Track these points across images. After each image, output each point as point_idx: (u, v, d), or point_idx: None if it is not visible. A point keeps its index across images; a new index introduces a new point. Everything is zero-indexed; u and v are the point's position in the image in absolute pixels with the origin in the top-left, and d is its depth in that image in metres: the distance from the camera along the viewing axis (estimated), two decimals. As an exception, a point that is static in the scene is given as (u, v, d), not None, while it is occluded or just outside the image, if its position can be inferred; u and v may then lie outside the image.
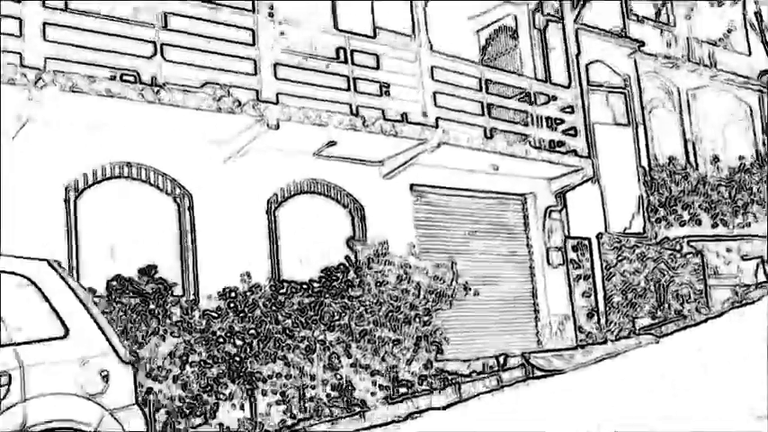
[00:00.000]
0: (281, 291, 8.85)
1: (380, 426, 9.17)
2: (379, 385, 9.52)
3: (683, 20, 16.55)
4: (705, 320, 12.97)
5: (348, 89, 10.58)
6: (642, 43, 15.23)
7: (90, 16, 8.52)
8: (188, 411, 7.81)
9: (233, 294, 8.56)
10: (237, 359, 8.25)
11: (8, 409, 5.39)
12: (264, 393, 8.57)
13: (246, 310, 8.45)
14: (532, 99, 12.78)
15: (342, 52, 10.76)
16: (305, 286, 9.25)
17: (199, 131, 9.47)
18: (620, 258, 13.62)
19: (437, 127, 11.09)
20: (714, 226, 14.83)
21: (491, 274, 12.50)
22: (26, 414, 5.40)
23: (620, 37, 14.95)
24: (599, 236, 13.76)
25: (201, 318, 8.17)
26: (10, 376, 5.43)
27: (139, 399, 5.98)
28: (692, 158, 15.81)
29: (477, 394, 10.30)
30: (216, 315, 8.33)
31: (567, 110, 13.24)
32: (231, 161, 9.84)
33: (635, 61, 15.34)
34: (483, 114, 12.06)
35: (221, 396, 8.15)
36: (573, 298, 13.20)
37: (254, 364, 8.39)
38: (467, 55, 13.00)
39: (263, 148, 9.92)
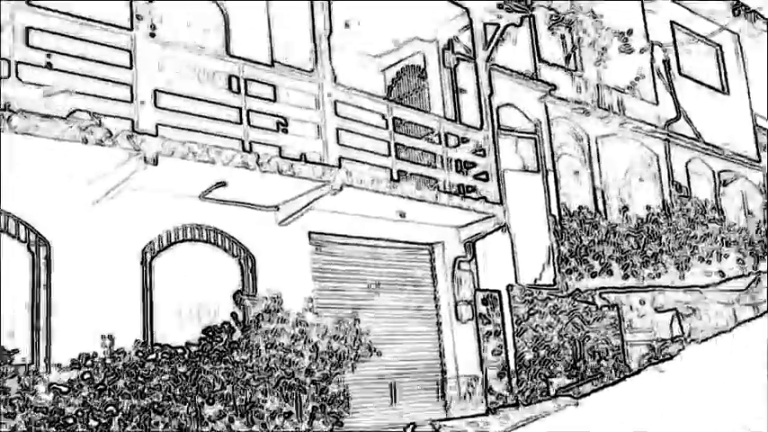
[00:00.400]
0: (150, 357, 7.47)
1: None
2: (269, 464, 8.23)
3: (593, 66, 16.12)
4: (623, 378, 12.23)
5: (240, 122, 9.38)
6: (554, 87, 14.64)
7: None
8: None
9: (89, 362, 7.13)
10: (95, 441, 6.84)
11: None
12: (129, 480, 7.16)
13: (106, 381, 7.04)
14: (441, 140, 11.88)
15: (234, 81, 9.58)
16: (180, 350, 7.89)
17: (61, 167, 8.08)
18: (531, 312, 12.78)
19: (340, 167, 10.00)
20: (625, 277, 14.22)
21: (396, 331, 11.42)
22: None
23: (531, 79, 14.31)
24: (509, 288, 12.89)
25: (48, 392, 6.72)
26: None
27: None
28: (601, 207, 15.24)
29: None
30: (66, 389, 6.89)
31: (479, 153, 12.40)
32: (101, 203, 8.46)
33: (546, 106, 14.72)
34: (390, 155, 11.06)
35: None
36: (483, 356, 12.24)
37: (116, 447, 6.99)
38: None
39: (138, 188, 8.60)
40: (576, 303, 13.11)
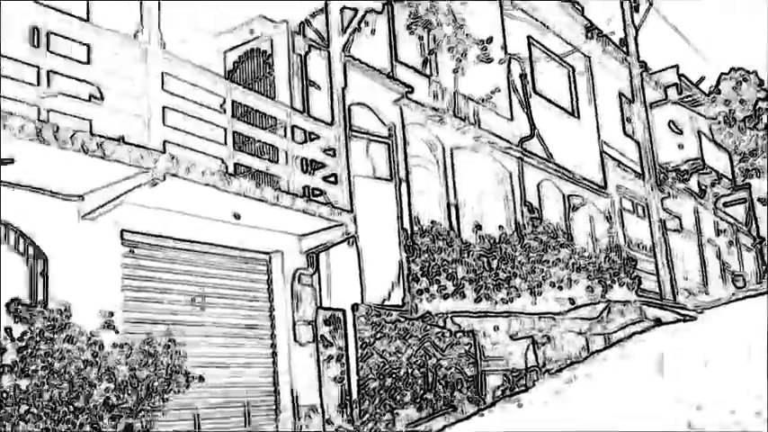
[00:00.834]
0: None
1: None
2: None
3: (451, 72, 15.06)
4: (477, 412, 11.01)
5: (38, 83, 7.40)
6: (411, 89, 13.41)
7: None
8: None
9: None
10: None
11: None
12: None
13: None
14: (288, 133, 10.28)
15: (35, 32, 7.59)
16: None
17: None
18: (378, 335, 11.34)
19: (164, 152, 8.17)
20: (478, 300, 13.11)
21: (223, 353, 9.64)
22: None
23: (389, 78, 13.00)
24: (355, 307, 11.41)
25: None
26: None
27: None
28: (455, 223, 14.12)
29: None
30: None
31: (329, 152, 10.89)
32: None
33: (401, 109, 13.46)
34: (226, 144, 9.34)
35: None
36: (322, 383, 10.66)
37: None
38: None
39: None
40: (428, 327, 11.81)
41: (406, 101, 13.43)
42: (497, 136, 15.55)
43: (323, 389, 10.63)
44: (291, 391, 10.23)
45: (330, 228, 10.66)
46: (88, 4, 9.20)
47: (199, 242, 9.61)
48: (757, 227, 29.86)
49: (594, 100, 19.67)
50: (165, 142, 8.37)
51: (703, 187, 27.22)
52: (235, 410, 9.59)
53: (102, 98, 8.04)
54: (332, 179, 10.88)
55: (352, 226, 10.75)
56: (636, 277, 16.75)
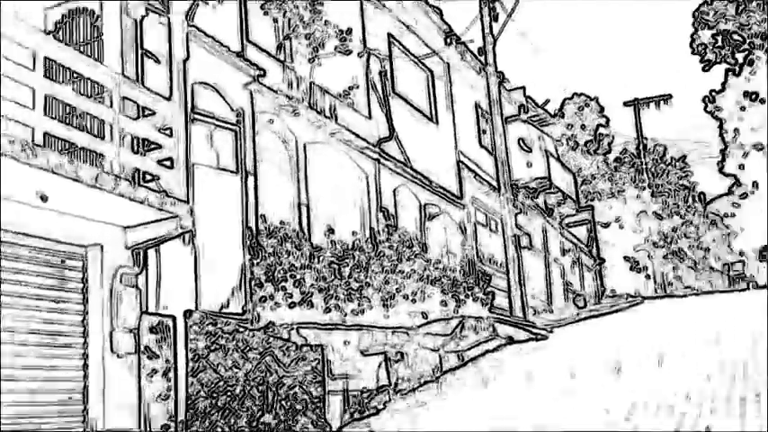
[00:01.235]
0: None
1: None
2: None
3: (307, 62, 13.77)
4: (323, 440, 9.69)
5: None
6: (263, 72, 12.01)
7: None
8: None
9: None
10: None
11: None
12: None
13: None
14: (116, 105, 8.61)
15: None
16: None
17: None
18: (213, 347, 9.81)
19: (-55, 106, 6.39)
20: (327, 311, 11.81)
21: (15, 364, 7.83)
22: None
23: (240, 57, 11.55)
24: (187, 314, 9.83)
25: None
26: None
27: None
28: (305, 225, 12.79)
29: None
30: None
31: (165, 131, 9.30)
32: None
33: (252, 95, 12.03)
34: (33, 109, 7.60)
35: None
36: (143, 402, 9.02)
37: None
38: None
39: None
40: (271, 339, 10.39)
41: (257, 85, 12.02)
42: (355, 134, 14.40)
43: (143, 408, 8.98)
44: (103, 411, 8.52)
45: (162, 220, 9.05)
46: None
47: (-6, 228, 7.79)
48: (598, 248, 30.36)
49: (453, 107, 18.97)
50: (-51, 95, 6.60)
51: (550, 206, 27.29)
52: (29, 436, 7.79)
53: None
54: (168, 164, 9.30)
55: (188, 219, 9.19)
56: (490, 293, 16.03)
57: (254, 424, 9.76)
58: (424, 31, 18.04)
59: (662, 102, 34.94)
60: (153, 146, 9.25)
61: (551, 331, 17.58)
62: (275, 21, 13.25)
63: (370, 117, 15.23)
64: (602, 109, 34.70)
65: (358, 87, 15.11)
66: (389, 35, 16.63)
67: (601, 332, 18.24)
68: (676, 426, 8.78)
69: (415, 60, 17.76)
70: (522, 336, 16.34)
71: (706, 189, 34.41)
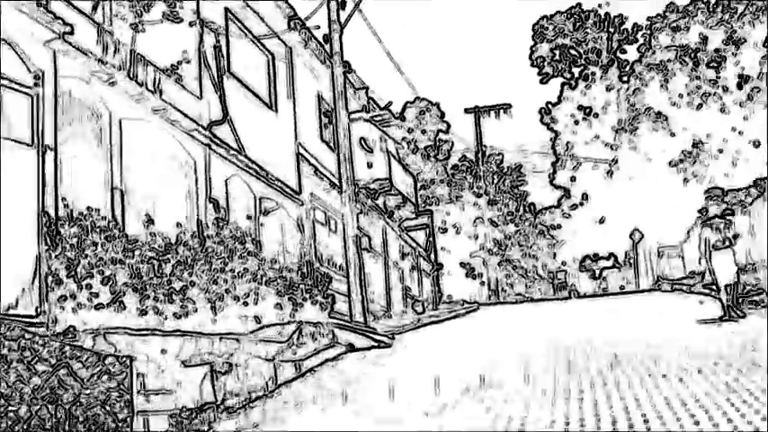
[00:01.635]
0: None
1: None
2: None
3: (129, 28, 11.89)
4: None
5: None
6: (71, 30, 10.08)
7: None
8: None
9: None
10: None
11: None
12: None
13: None
14: None
15: None
16: None
17: None
18: (-9, 358, 7.83)
19: None
20: (143, 313, 10.01)
21: None
22: None
23: (39, 6, 9.57)
24: (-42, 317, 7.81)
25: None
26: None
27: None
28: (118, 213, 10.93)
29: None
30: None
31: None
32: None
33: (55, 55, 10.06)
34: None
35: None
36: None
37: None
38: None
39: None
40: (67, 349, 8.50)
41: (62, 44, 10.07)
42: (182, 113, 12.63)
43: None
44: None
45: None
46: None
47: None
48: (435, 253, 29.81)
49: (294, 96, 17.52)
50: None
51: (390, 209, 26.40)
52: None
53: None
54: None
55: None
56: (330, 296, 14.66)
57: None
58: (266, 11, 16.48)
59: (501, 111, 34.98)
60: None
61: (393, 338, 16.46)
62: (89, -25, 11.31)
63: (201, 97, 13.50)
64: (442, 115, 34.31)
65: (188, 62, 13.36)
66: (227, 9, 14.97)
67: (442, 338, 17.44)
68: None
69: (255, 41, 16.18)
70: (364, 343, 15.09)
71: (538, 199, 34.72)
